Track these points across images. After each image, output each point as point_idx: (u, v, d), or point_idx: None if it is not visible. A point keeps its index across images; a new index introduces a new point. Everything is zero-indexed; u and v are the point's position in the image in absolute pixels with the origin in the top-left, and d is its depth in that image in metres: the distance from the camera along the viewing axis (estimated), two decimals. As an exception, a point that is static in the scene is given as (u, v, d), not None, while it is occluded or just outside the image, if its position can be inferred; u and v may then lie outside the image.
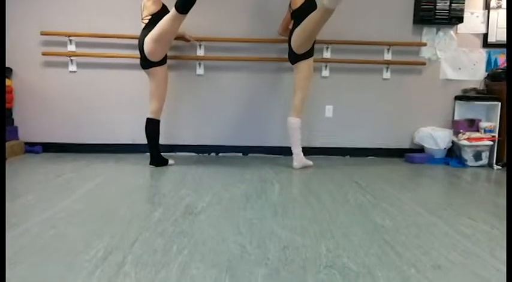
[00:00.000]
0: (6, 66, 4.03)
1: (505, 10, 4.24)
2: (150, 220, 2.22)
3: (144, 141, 3.68)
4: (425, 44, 4.27)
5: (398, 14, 4.25)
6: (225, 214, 2.35)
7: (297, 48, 3.56)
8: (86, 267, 1.63)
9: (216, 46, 4.19)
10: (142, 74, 3.70)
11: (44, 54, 4.07)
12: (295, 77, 3.67)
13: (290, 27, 3.73)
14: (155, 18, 3.40)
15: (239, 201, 2.62)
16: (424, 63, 4.28)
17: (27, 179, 3.12)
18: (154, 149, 3.63)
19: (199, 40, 4.12)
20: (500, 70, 4.20)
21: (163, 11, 3.46)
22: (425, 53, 4.30)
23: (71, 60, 4.14)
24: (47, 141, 4.21)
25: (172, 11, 3.22)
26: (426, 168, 3.89)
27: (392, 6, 4.24)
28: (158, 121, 3.63)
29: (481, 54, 4.33)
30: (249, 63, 4.23)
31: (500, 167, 3.99)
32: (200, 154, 4.32)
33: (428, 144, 4.18)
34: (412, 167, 3.96)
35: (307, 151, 3.89)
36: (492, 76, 4.24)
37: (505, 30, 4.25)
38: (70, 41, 4.09)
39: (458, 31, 4.30)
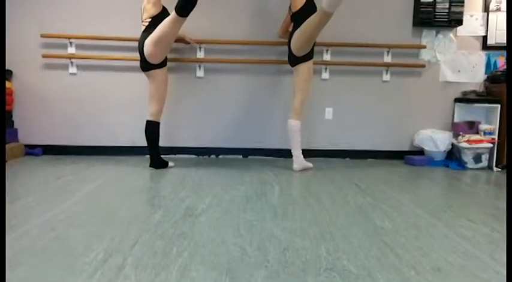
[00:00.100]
0: (7, 68, 4.03)
1: (505, 12, 4.25)
2: (150, 222, 2.22)
3: (144, 143, 3.68)
4: (424, 47, 4.28)
5: (397, 17, 4.26)
6: (225, 216, 2.35)
7: (297, 51, 3.57)
8: (86, 270, 1.63)
9: (216, 48, 4.20)
10: (142, 76, 3.70)
11: (44, 56, 4.07)
12: (295, 79, 3.68)
13: (290, 29, 3.73)
14: (155, 21, 3.40)
15: (239, 203, 2.62)
16: (423, 66, 4.29)
17: (27, 181, 3.12)
18: (154, 151, 3.64)
19: (199, 42, 4.13)
20: (500, 72, 4.20)
21: (163, 13, 3.47)
22: (425, 55, 4.31)
23: (71, 62, 4.14)
24: (47, 143, 4.21)
25: (173, 14, 3.23)
26: (426, 171, 3.89)
27: (392, 8, 4.25)
28: (158, 123, 3.63)
29: (481, 57, 4.34)
30: (249, 66, 4.24)
31: (500, 169, 4.00)
32: (200, 156, 4.32)
33: (428, 147, 4.18)
34: (411, 169, 3.96)
35: (307, 153, 3.89)
36: (492, 78, 4.25)
37: (504, 32, 4.26)
38: (70, 43, 4.09)
39: (457, 33, 4.31)
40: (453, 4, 4.14)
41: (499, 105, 4.04)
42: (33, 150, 4.15)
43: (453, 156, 4.24)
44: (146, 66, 3.52)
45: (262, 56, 4.21)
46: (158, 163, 3.65)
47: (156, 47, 3.38)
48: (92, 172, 3.47)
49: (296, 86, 3.66)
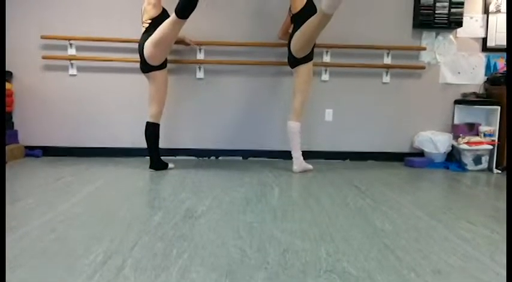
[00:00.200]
0: (7, 69, 4.03)
1: (504, 14, 4.26)
2: (150, 224, 2.21)
3: (144, 144, 3.69)
4: (424, 48, 4.28)
5: (397, 18, 4.27)
6: (225, 218, 2.35)
7: (297, 52, 3.57)
8: (85, 271, 1.63)
9: (216, 50, 4.20)
10: (142, 77, 3.70)
11: (44, 57, 4.08)
12: (295, 80, 3.68)
13: (290, 31, 3.74)
14: (155, 22, 3.41)
15: (239, 204, 2.62)
16: (423, 67, 4.29)
17: (27, 182, 3.12)
18: (154, 153, 3.64)
19: (199, 44, 4.13)
20: (500, 74, 4.20)
21: (163, 15, 3.47)
22: (425, 57, 4.32)
23: (71, 63, 4.15)
24: (47, 144, 4.21)
25: (172, 15, 3.23)
26: (426, 172, 3.89)
27: (392, 10, 4.25)
28: (158, 125, 3.63)
29: (481, 59, 4.35)
30: (249, 67, 4.24)
31: (500, 171, 3.99)
32: (200, 158, 4.32)
33: (428, 148, 4.18)
34: (411, 171, 3.96)
35: (307, 155, 3.89)
36: (491, 80, 4.25)
37: (504, 34, 4.26)
38: (70, 44, 4.10)
39: (457, 35, 4.32)
40: (453, 6, 4.15)
41: (499, 107, 4.04)
42: (33, 152, 4.15)
43: (453, 158, 4.24)
44: (146, 67, 3.52)
45: (262, 57, 4.22)
46: (158, 164, 3.65)
47: (156, 49, 3.39)
48: (91, 173, 3.47)
49: (296, 87, 3.66)
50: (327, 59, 4.24)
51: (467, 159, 4.05)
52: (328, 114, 4.34)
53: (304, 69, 3.61)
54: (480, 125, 4.20)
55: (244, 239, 2.02)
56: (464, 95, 4.32)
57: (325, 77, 4.28)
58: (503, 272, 1.71)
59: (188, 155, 4.31)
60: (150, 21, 3.47)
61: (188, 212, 2.44)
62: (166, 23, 3.29)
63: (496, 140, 4.04)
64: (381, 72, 4.31)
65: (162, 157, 3.71)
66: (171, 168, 3.71)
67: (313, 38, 3.47)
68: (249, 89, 4.29)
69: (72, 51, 4.12)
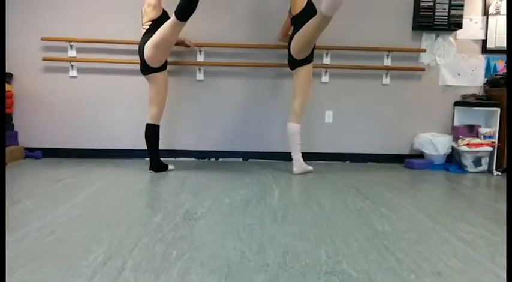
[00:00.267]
0: (7, 71, 4.04)
1: (504, 16, 4.26)
2: (150, 225, 2.21)
3: (144, 146, 3.69)
4: (424, 50, 4.29)
5: (397, 20, 4.27)
6: (225, 219, 2.35)
7: (297, 54, 3.57)
8: (85, 273, 1.63)
9: (216, 52, 4.20)
10: (142, 79, 3.70)
11: (44, 59, 4.08)
12: (295, 82, 3.68)
13: (290, 33, 3.74)
14: (156, 24, 3.41)
15: (239, 206, 2.62)
16: (423, 69, 4.30)
17: (27, 184, 3.12)
18: (154, 154, 3.64)
19: (200, 46, 4.13)
20: (500, 76, 4.21)
21: (163, 17, 3.47)
22: (425, 59, 4.32)
23: (72, 65, 4.15)
24: (47, 146, 4.22)
25: (172, 17, 3.24)
26: (426, 174, 3.89)
27: (392, 12, 4.26)
28: (158, 126, 3.63)
29: (480, 60, 4.35)
30: (249, 69, 4.25)
31: (500, 173, 3.99)
32: (200, 159, 4.32)
33: (428, 150, 4.18)
34: (411, 172, 3.96)
35: (307, 156, 3.89)
36: (491, 82, 4.26)
37: (504, 36, 4.27)
38: (71, 46, 4.10)
39: (457, 37, 4.32)
40: (453, 8, 4.16)
41: (498, 109, 4.05)
42: (33, 153, 4.15)
43: (453, 160, 4.24)
44: (146, 69, 3.52)
45: (262, 59, 4.22)
46: (158, 166, 3.65)
47: (156, 51, 3.39)
48: (91, 175, 3.47)
49: (296, 89, 3.66)
50: (327, 60, 4.24)
51: (467, 161, 4.05)
52: (328, 116, 4.34)
53: (304, 71, 3.62)
54: (480, 126, 4.20)
55: (244, 240, 2.02)
56: (464, 96, 4.32)
57: (325, 78, 4.29)
58: (504, 274, 1.71)
59: (188, 156, 4.31)
60: (150, 23, 3.47)
61: (188, 213, 2.44)
62: (166, 25, 3.29)
63: (496, 142, 4.04)
64: (381, 74, 4.31)
65: (162, 159, 3.70)
66: (171, 170, 3.71)
67: (313, 40, 3.48)
68: (249, 91, 4.29)
69: (72, 53, 4.12)
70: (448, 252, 1.94)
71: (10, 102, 4.07)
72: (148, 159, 3.70)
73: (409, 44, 4.30)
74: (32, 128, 4.20)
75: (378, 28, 4.25)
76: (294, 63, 3.65)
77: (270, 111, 4.30)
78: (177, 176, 3.49)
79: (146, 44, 3.40)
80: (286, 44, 3.72)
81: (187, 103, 4.26)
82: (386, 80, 4.32)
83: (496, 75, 4.29)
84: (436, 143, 4.13)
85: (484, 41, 4.33)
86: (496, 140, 4.05)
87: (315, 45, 3.62)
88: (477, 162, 4.05)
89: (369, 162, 4.38)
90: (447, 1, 4.15)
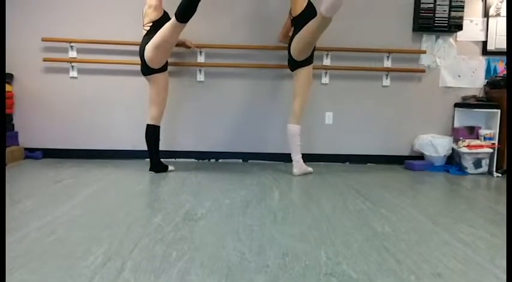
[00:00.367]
0: (7, 71, 4.04)
1: (504, 18, 4.27)
2: (150, 226, 2.21)
3: (144, 147, 3.69)
4: (424, 52, 4.29)
5: (397, 22, 4.27)
6: (224, 220, 2.35)
7: (297, 55, 3.58)
8: (84, 273, 1.63)
9: (216, 53, 4.21)
10: (142, 80, 3.71)
11: (45, 60, 4.08)
12: (295, 83, 3.68)
13: (290, 34, 3.74)
14: (156, 25, 3.41)
15: (239, 207, 2.62)
16: (423, 71, 4.30)
17: (27, 184, 3.12)
18: (155, 155, 3.64)
19: (200, 47, 4.14)
20: (500, 78, 4.21)
21: (164, 18, 3.47)
22: (425, 60, 4.32)
23: (72, 66, 4.15)
24: (47, 147, 4.22)
25: (172, 19, 3.24)
26: (426, 176, 3.89)
27: (392, 13, 4.26)
28: (158, 127, 3.64)
29: (481, 62, 4.35)
30: (249, 70, 4.25)
31: (500, 175, 3.99)
32: (200, 160, 4.32)
33: (428, 152, 4.18)
34: (411, 174, 3.96)
35: (307, 158, 3.89)
36: (491, 84, 4.26)
37: (504, 37, 4.27)
38: (71, 47, 4.11)
39: (457, 39, 4.33)
40: (453, 9, 4.16)
41: (499, 111, 4.05)
42: (33, 154, 4.15)
43: (453, 161, 4.24)
44: (147, 70, 3.53)
45: (263, 60, 4.22)
46: (158, 167, 3.65)
47: (156, 52, 3.39)
48: (91, 175, 3.47)
49: (296, 90, 3.67)
50: (327, 62, 4.25)
51: (468, 163, 4.05)
52: (328, 117, 4.34)
53: (304, 72, 3.62)
54: (480, 128, 4.20)
55: (244, 241, 2.02)
56: (464, 98, 4.32)
57: (325, 80, 4.29)
58: (504, 276, 1.71)
59: (188, 157, 4.31)
60: (151, 24, 3.48)
61: (188, 214, 2.44)
62: (166, 27, 3.30)
63: (496, 144, 4.04)
64: (381, 75, 4.32)
65: (162, 159, 3.70)
66: (171, 171, 3.71)
67: (313, 41, 3.48)
68: (249, 92, 4.29)
69: (73, 54, 4.13)
70: (448, 253, 1.93)
71: (10, 103, 4.07)
72: (148, 160, 3.70)
73: (409, 45, 4.30)
74: (32, 128, 4.20)
75: (378, 29, 4.26)
76: (294, 65, 3.65)
77: (270, 112, 4.30)
78: (177, 177, 3.49)
79: (147, 46, 3.41)
80: (287, 45, 3.73)
81: (187, 104, 4.26)
82: (386, 82, 4.32)
83: (496, 76, 4.29)
84: (436, 145, 4.13)
85: (484, 43, 4.33)
86: (496, 141, 4.05)
87: (315, 47, 3.62)
88: (477, 163, 4.05)
89: (368, 164, 4.38)
90: (447, 2, 4.16)
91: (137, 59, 3.61)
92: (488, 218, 2.54)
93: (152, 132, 3.61)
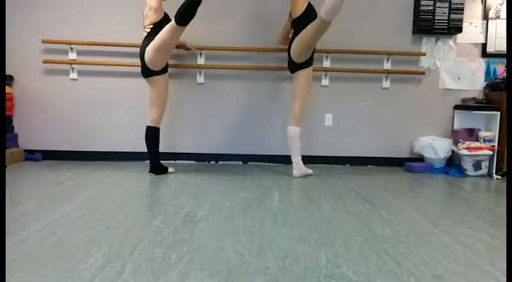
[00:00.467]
0: (7, 73, 4.04)
1: (504, 20, 4.27)
2: (150, 228, 2.21)
3: (144, 149, 3.68)
4: (424, 54, 4.30)
5: (397, 24, 4.28)
6: (224, 222, 2.35)
7: (296, 57, 3.58)
8: (84, 275, 1.62)
9: (216, 55, 4.21)
10: (142, 82, 3.71)
11: (45, 62, 4.09)
12: (295, 85, 3.69)
13: (290, 36, 3.75)
14: (157, 27, 3.42)
15: (239, 209, 2.62)
16: (423, 73, 4.30)
17: (27, 186, 3.12)
18: (154, 157, 3.64)
19: (200, 49, 4.14)
20: (500, 80, 4.22)
21: (164, 20, 3.48)
22: (425, 62, 4.33)
23: (72, 68, 4.15)
24: (47, 148, 4.21)
25: (172, 22, 3.25)
26: (426, 178, 3.89)
27: (392, 15, 4.27)
28: (158, 129, 3.64)
29: (480, 64, 4.36)
30: (249, 72, 4.25)
31: (500, 177, 3.99)
32: (200, 162, 4.32)
33: (427, 154, 4.18)
34: (411, 176, 3.96)
35: (307, 160, 3.89)
36: (491, 86, 4.26)
37: (504, 40, 4.28)
38: (71, 49, 4.11)
39: (457, 41, 4.33)
40: (453, 12, 4.17)
41: (498, 113, 4.05)
42: (33, 156, 4.15)
43: (453, 163, 4.24)
44: (147, 72, 3.53)
45: (262, 62, 4.23)
46: (158, 169, 3.65)
47: (156, 54, 3.40)
48: (91, 177, 3.47)
49: (296, 92, 3.67)
50: (327, 64, 4.25)
51: (467, 165, 4.05)
52: (328, 119, 4.34)
53: (304, 74, 3.62)
54: (480, 130, 4.20)
55: (244, 243, 2.02)
56: (464, 100, 4.33)
57: (325, 81, 4.29)
58: (503, 278, 1.71)
59: (188, 159, 4.31)
60: (151, 26, 3.48)
61: (188, 216, 2.44)
62: (166, 29, 3.30)
63: (496, 146, 4.04)
64: (381, 77, 4.32)
65: (162, 161, 3.70)
66: (171, 173, 3.71)
67: (312, 44, 3.49)
68: (249, 94, 4.29)
69: (73, 56, 4.13)
70: (448, 255, 1.93)
71: (10, 105, 4.07)
72: (148, 161, 3.70)
73: (409, 47, 4.31)
74: (32, 130, 4.20)
75: (378, 31, 4.26)
76: (294, 67, 3.65)
77: (270, 114, 4.30)
78: (177, 179, 3.49)
79: (147, 48, 3.41)
80: (287, 47, 3.73)
81: (187, 106, 4.26)
82: (386, 84, 4.33)
83: (495, 79, 4.29)
84: (436, 147, 4.13)
85: (484, 45, 4.34)
86: (495, 143, 4.05)
87: (315, 49, 3.62)
88: (477, 165, 4.05)
89: (368, 166, 4.38)
90: (447, 5, 4.17)
91: (137, 61, 3.61)
92: (488, 220, 2.54)
93: (152, 134, 3.61)
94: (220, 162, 4.33)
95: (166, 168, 3.71)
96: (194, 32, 3.96)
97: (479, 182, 3.81)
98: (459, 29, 4.20)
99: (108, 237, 2.06)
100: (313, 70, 3.74)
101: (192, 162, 4.31)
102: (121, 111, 4.22)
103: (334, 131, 4.35)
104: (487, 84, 4.33)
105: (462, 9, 4.18)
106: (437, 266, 1.81)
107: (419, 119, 4.38)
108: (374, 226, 2.34)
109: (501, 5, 4.28)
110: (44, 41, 4.06)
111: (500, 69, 4.34)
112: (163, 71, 3.56)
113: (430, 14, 4.16)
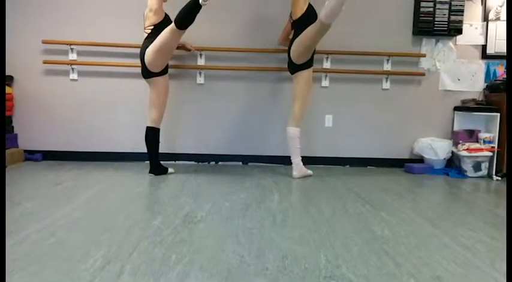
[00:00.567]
0: (7, 73, 4.04)
1: (504, 22, 4.28)
2: (149, 229, 2.21)
3: (144, 149, 3.68)
4: (424, 55, 4.30)
5: (397, 25, 4.28)
6: (224, 223, 2.35)
7: (296, 59, 3.58)
8: (84, 276, 1.62)
9: (216, 55, 4.21)
10: (142, 82, 3.71)
11: (45, 62, 4.09)
12: (295, 86, 3.69)
13: (290, 37, 3.75)
14: (157, 29, 3.42)
15: (238, 210, 2.62)
16: (423, 74, 4.31)
17: (27, 186, 3.12)
18: (154, 158, 3.64)
19: (200, 49, 4.14)
20: (499, 81, 4.22)
21: (165, 21, 3.48)
22: (425, 63, 4.33)
23: (72, 68, 4.16)
24: (47, 149, 4.21)
25: (172, 25, 3.26)
26: (426, 179, 3.89)
27: (392, 17, 4.27)
28: (158, 130, 3.64)
29: (480, 66, 4.36)
30: (249, 73, 4.26)
31: (499, 178, 3.99)
32: (200, 163, 4.32)
33: (427, 155, 4.18)
34: (411, 177, 3.96)
35: (307, 160, 3.89)
36: (491, 87, 4.27)
37: (504, 41, 4.28)
38: (71, 49, 4.11)
39: (457, 42, 4.34)
40: (453, 13, 4.17)
41: (498, 114, 4.05)
42: (33, 156, 4.15)
43: (453, 165, 4.24)
44: (147, 73, 3.53)
45: (262, 63, 4.23)
46: (158, 169, 3.65)
47: (156, 56, 3.40)
48: (91, 178, 3.47)
49: (296, 93, 3.67)
50: (327, 65, 4.25)
51: (467, 166, 4.05)
52: (328, 120, 4.35)
53: (304, 75, 3.63)
54: (480, 131, 4.21)
55: (244, 244, 2.02)
56: (464, 101, 4.33)
57: (325, 83, 4.29)
58: (503, 280, 1.71)
59: (188, 160, 4.31)
60: (152, 27, 3.48)
61: (187, 217, 2.44)
62: (166, 31, 3.31)
63: (496, 147, 4.04)
64: (381, 78, 4.32)
65: (162, 162, 3.71)
66: (170, 173, 3.71)
67: (312, 45, 3.49)
68: (249, 95, 4.30)
69: (73, 56, 4.13)
70: (447, 257, 1.93)
71: (10, 105, 4.07)
72: (148, 162, 3.71)
73: (409, 48, 4.31)
74: (32, 130, 4.20)
75: (378, 33, 4.26)
76: (294, 68, 3.66)
77: (270, 115, 4.30)
78: (176, 179, 3.49)
79: (147, 50, 3.42)
80: (287, 48, 3.73)
81: (187, 106, 4.26)
82: (386, 85, 4.33)
83: (495, 80, 4.29)
84: (435, 148, 4.13)
85: (484, 47, 4.34)
86: (495, 145, 4.05)
87: (315, 50, 3.63)
88: (477, 167, 4.05)
89: (368, 167, 4.38)
90: (447, 6, 4.17)
91: (137, 62, 3.62)
92: (488, 221, 2.54)
93: (152, 135, 3.61)
94: (220, 163, 4.33)
95: (166, 169, 3.71)
96: (194, 33, 3.95)
97: (479, 183, 3.81)
98: (459, 31, 4.20)
99: (108, 237, 2.06)
100: (314, 71, 3.74)
101: (192, 162, 4.31)
102: (121, 111, 4.22)
103: (334, 132, 4.35)
104: (486, 85, 4.34)
105: (462, 11, 4.18)
106: (437, 267, 1.81)
107: (419, 120, 4.38)
108: (374, 227, 2.34)
109: (501, 6, 4.28)
110: (44, 42, 4.06)
111: (500, 70, 4.34)
112: (164, 72, 3.56)
113: (430, 15, 4.17)
